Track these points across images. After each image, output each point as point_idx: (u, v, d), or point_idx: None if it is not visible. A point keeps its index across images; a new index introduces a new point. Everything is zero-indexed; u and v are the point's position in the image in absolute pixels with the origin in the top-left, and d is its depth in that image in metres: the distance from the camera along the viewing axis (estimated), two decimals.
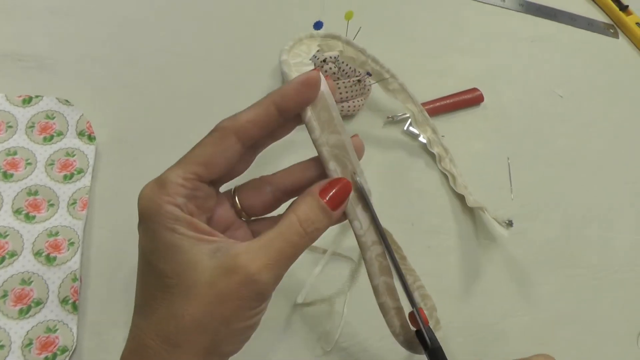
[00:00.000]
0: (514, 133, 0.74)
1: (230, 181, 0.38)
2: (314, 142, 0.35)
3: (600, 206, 0.71)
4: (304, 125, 0.35)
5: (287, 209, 0.35)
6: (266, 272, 0.30)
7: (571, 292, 0.63)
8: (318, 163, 0.37)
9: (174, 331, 0.30)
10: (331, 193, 0.34)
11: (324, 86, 0.34)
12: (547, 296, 0.61)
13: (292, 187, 0.37)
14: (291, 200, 0.37)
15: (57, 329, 0.46)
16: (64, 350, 0.45)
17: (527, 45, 0.86)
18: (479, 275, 0.61)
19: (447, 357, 0.38)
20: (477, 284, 0.60)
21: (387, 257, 0.37)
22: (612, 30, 0.93)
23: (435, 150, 0.66)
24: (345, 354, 0.52)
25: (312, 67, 0.39)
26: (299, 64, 0.38)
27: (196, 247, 0.31)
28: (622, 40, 0.93)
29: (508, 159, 0.70)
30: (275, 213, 0.39)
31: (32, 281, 0.47)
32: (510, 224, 0.62)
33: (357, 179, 0.36)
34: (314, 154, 0.37)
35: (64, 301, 0.47)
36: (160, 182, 0.32)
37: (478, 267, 0.61)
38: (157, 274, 0.31)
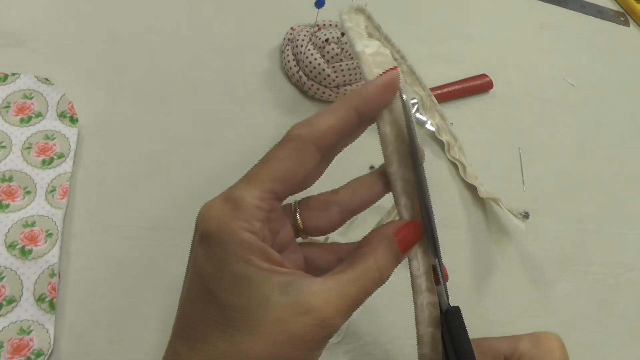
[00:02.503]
0: (524, 122, 0.71)
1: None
2: (389, 175, 0.33)
3: (614, 200, 0.68)
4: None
5: (362, 247, 0.32)
6: (340, 317, 0.28)
7: (587, 291, 0.59)
8: (382, 177, 0.34)
9: None
10: (404, 237, 0.32)
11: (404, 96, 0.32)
12: (562, 295, 0.58)
13: (360, 205, 0.35)
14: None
15: (31, 330, 0.41)
16: (39, 354, 0.40)
17: (536, 32, 0.82)
18: (491, 272, 0.57)
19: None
20: (489, 281, 0.56)
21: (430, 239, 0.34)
22: (622, 18, 0.90)
23: (444, 137, 0.62)
24: (352, 355, 0.48)
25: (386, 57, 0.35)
26: (375, 55, 0.34)
27: (267, 280, 0.28)
28: (632, 29, 0.90)
29: (519, 149, 0.66)
30: None
31: (4, 277, 0.42)
32: (526, 215, 0.59)
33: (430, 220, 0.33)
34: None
35: (40, 299, 0.42)
36: (233, 203, 0.29)
37: (490, 264, 0.57)
38: (218, 305, 0.28)
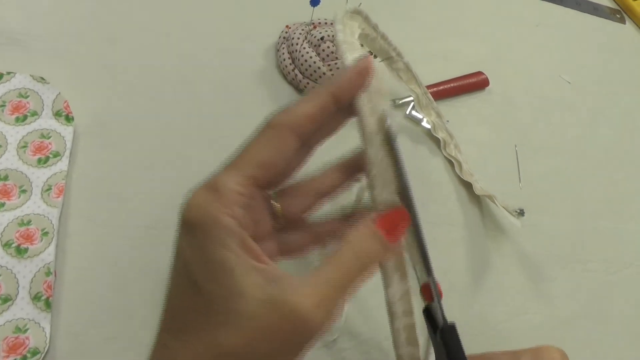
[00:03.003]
0: (520, 119, 0.71)
1: None
2: (373, 198, 0.33)
3: (612, 197, 0.68)
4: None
5: (342, 241, 0.31)
6: (319, 311, 0.27)
7: (584, 288, 0.59)
8: (352, 162, 0.35)
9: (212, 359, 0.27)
10: (389, 225, 0.31)
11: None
12: (559, 293, 0.58)
13: (334, 189, 0.35)
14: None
15: (27, 329, 0.41)
16: (35, 352, 0.40)
17: (532, 30, 0.82)
18: (488, 270, 0.57)
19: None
20: (485, 279, 0.56)
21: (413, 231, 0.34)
22: (618, 16, 0.90)
23: (440, 135, 0.62)
24: (348, 353, 0.48)
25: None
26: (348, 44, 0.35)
27: (247, 274, 0.28)
28: (628, 26, 0.90)
29: (516, 146, 0.66)
30: None
31: None
32: (521, 213, 0.59)
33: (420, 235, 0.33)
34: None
35: (36, 297, 0.42)
36: (214, 189, 0.29)
37: (486, 262, 0.57)
38: (202, 295, 0.28)
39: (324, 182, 0.35)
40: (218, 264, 0.27)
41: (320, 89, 0.31)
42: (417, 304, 0.35)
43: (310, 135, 0.31)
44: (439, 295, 0.34)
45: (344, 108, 0.32)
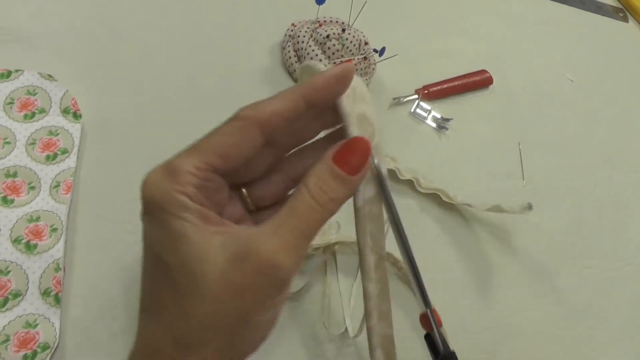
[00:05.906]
0: (524, 117, 0.71)
1: None
2: (368, 329, 0.35)
3: (613, 195, 0.68)
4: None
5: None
6: (283, 255, 0.27)
7: (585, 285, 0.60)
8: (330, 142, 0.33)
9: (185, 331, 0.27)
10: (347, 156, 0.30)
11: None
12: (561, 289, 0.58)
13: (305, 172, 0.33)
14: None
15: (37, 324, 0.42)
16: (45, 347, 0.41)
17: (535, 28, 0.82)
18: (491, 266, 0.57)
19: None
20: (489, 276, 0.57)
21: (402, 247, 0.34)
22: (621, 14, 0.90)
23: (408, 176, 0.59)
24: (355, 349, 0.48)
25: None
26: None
27: (206, 238, 0.28)
28: (631, 24, 0.90)
29: (519, 144, 0.66)
30: None
31: (9, 271, 0.43)
32: (529, 207, 0.58)
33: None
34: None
35: (45, 293, 0.43)
36: (169, 169, 0.29)
37: (490, 258, 0.58)
38: (164, 268, 0.28)
39: (294, 165, 0.34)
40: (175, 234, 0.28)
41: (293, 88, 0.30)
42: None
43: (278, 134, 0.30)
44: (437, 324, 0.34)
45: (317, 111, 0.31)
